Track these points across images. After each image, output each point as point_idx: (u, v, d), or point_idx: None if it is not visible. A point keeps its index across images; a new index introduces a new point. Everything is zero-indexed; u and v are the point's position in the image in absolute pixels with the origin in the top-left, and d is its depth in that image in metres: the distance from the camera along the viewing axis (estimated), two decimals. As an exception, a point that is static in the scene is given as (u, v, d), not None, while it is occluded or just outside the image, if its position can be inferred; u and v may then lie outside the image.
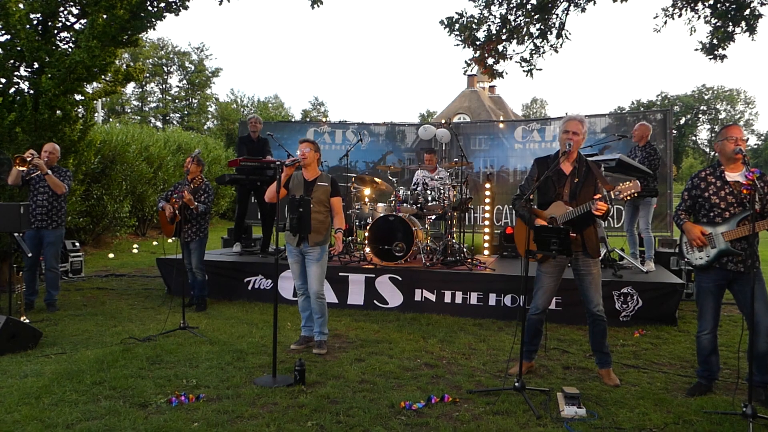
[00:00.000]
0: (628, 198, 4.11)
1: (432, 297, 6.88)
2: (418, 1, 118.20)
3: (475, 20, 8.87)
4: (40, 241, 6.69)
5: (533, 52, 9.08)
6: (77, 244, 9.65)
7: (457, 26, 8.87)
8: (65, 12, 8.68)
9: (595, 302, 4.38)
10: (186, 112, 47.97)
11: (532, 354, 4.67)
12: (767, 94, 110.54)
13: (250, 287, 7.49)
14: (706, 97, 69.05)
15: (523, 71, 9.15)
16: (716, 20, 8.56)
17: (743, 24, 8.40)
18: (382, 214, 7.46)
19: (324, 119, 45.98)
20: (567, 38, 9.01)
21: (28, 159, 6.32)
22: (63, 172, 6.81)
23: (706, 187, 4.13)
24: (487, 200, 9.93)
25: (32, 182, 6.68)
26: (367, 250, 7.52)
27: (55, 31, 8.66)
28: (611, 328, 6.12)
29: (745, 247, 3.95)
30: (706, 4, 8.62)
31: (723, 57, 8.79)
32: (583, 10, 9.00)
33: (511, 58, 9.14)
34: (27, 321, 5.61)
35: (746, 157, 3.95)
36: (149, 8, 8.64)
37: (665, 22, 9.13)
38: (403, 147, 11.71)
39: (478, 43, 8.95)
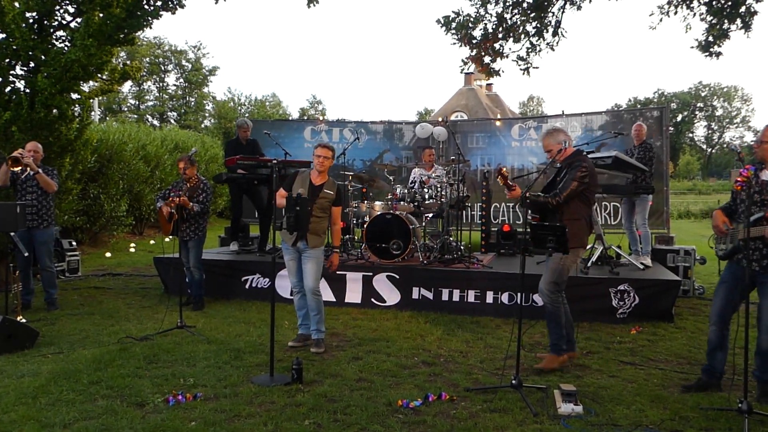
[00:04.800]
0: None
1: (429, 295, 6.89)
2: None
3: (472, 19, 8.88)
4: (31, 241, 6.64)
5: (529, 50, 9.11)
6: (74, 243, 9.63)
7: (453, 25, 8.88)
8: (61, 10, 8.65)
9: (539, 286, 4.72)
10: (183, 111, 47.80)
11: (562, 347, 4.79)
12: (764, 91, 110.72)
13: (247, 286, 7.48)
14: (702, 94, 69.18)
15: (520, 69, 9.19)
16: (711, 17, 8.58)
17: (738, 21, 8.42)
18: (379, 213, 7.45)
19: (321, 117, 45.93)
20: (563, 36, 9.04)
21: (20, 158, 6.27)
22: (50, 170, 6.76)
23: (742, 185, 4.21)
24: (484, 198, 9.93)
25: (19, 182, 6.58)
26: (365, 248, 7.52)
27: (51, 30, 8.64)
28: (608, 325, 6.17)
29: (760, 247, 3.93)
30: (702, 1, 8.63)
31: (718, 54, 8.82)
32: (579, 8, 9.02)
33: (507, 56, 9.16)
34: (24, 320, 5.60)
35: (740, 154, 3.96)
36: (145, 6, 8.61)
37: (661, 20, 9.16)
38: (400, 145, 11.72)
39: (474, 41, 8.96)
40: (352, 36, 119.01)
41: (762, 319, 3.97)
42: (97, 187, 12.44)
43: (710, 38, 8.72)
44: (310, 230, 5.19)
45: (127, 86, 44.07)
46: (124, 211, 13.10)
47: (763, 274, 3.97)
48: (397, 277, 6.98)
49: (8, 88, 8.20)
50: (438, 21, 8.90)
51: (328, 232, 5.70)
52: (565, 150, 4.77)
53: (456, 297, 6.83)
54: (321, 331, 5.31)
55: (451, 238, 7.99)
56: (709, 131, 71.91)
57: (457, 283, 6.85)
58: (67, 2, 8.59)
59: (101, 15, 8.09)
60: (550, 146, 4.81)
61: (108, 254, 11.98)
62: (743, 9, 8.34)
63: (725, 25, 8.54)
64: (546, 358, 4.72)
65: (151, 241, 14.37)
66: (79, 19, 8.53)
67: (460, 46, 9.03)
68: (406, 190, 7.71)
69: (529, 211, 4.82)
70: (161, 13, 8.75)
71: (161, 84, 48.66)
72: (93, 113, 11.75)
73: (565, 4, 8.93)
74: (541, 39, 9.04)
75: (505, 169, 4.59)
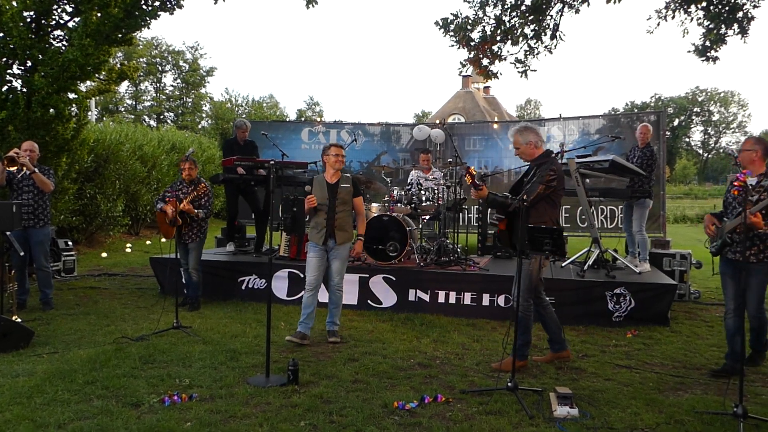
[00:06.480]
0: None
1: (426, 297, 6.88)
2: (413, 1, 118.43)
3: (470, 21, 8.87)
4: (27, 241, 6.60)
5: (527, 53, 9.10)
6: (70, 243, 9.58)
7: (452, 27, 8.87)
8: (59, 10, 8.65)
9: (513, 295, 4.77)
10: (180, 111, 47.76)
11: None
12: (760, 96, 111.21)
13: (243, 287, 7.47)
14: (699, 99, 69.42)
15: (518, 72, 9.17)
16: (709, 22, 8.60)
17: (735, 26, 8.44)
18: (376, 214, 7.45)
19: (319, 119, 45.92)
20: (561, 39, 9.03)
21: (16, 158, 6.24)
22: (46, 170, 6.72)
23: (729, 189, 4.69)
24: (481, 201, 9.94)
25: (15, 182, 6.54)
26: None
27: (49, 29, 8.63)
28: (604, 329, 6.18)
29: (743, 239, 4.16)
30: (699, 6, 8.65)
31: (715, 59, 8.82)
32: (577, 11, 9.01)
33: (505, 59, 9.15)
34: (19, 320, 5.58)
35: (737, 159, 4.45)
36: (143, 7, 8.61)
37: (658, 24, 9.16)
38: (397, 147, 11.73)
39: (472, 44, 8.95)
40: (350, 38, 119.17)
41: (748, 303, 4.50)
42: (94, 187, 12.41)
43: (707, 43, 8.73)
44: (336, 227, 5.46)
45: (124, 86, 44.06)
46: (120, 212, 13.08)
47: (746, 263, 4.33)
48: (394, 279, 6.97)
49: (5, 87, 8.19)
50: (436, 23, 8.90)
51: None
52: (534, 150, 4.77)
53: (452, 299, 6.83)
54: (336, 323, 5.61)
55: (448, 241, 8.00)
56: (706, 136, 72.20)
57: (453, 286, 6.85)
58: (65, 2, 8.59)
59: (99, 15, 8.09)
60: (518, 144, 4.83)
61: (104, 254, 11.95)
62: (740, 14, 8.37)
63: (722, 30, 8.55)
64: (505, 360, 4.65)
65: (147, 242, 14.35)
66: (77, 19, 8.54)
67: (459, 48, 9.02)
68: (403, 192, 7.72)
69: (493, 213, 4.90)
70: (159, 13, 8.76)
71: (158, 84, 48.64)
72: (90, 113, 11.73)
73: (563, 7, 8.93)
74: (539, 42, 9.04)
75: (473, 168, 4.73)
